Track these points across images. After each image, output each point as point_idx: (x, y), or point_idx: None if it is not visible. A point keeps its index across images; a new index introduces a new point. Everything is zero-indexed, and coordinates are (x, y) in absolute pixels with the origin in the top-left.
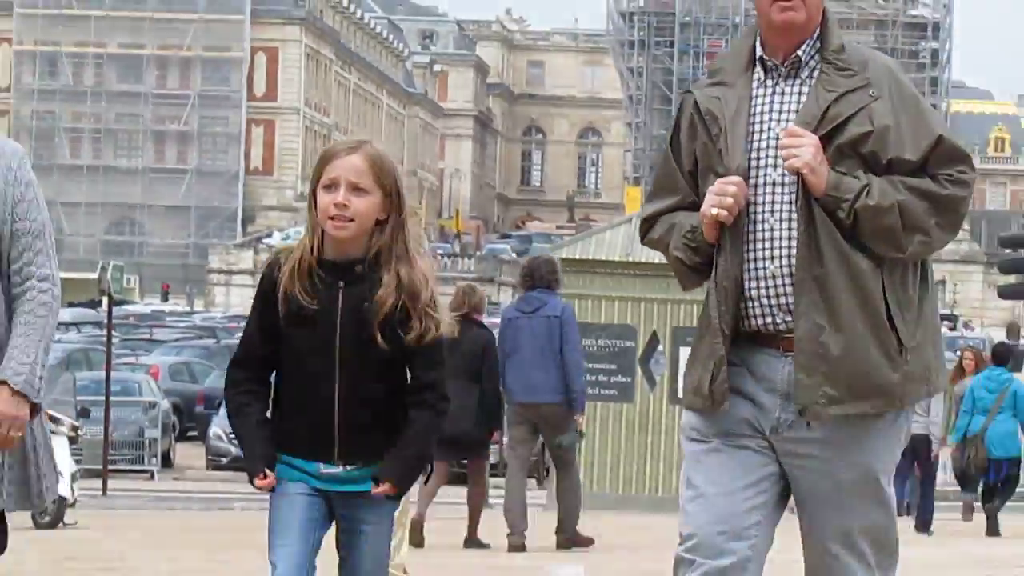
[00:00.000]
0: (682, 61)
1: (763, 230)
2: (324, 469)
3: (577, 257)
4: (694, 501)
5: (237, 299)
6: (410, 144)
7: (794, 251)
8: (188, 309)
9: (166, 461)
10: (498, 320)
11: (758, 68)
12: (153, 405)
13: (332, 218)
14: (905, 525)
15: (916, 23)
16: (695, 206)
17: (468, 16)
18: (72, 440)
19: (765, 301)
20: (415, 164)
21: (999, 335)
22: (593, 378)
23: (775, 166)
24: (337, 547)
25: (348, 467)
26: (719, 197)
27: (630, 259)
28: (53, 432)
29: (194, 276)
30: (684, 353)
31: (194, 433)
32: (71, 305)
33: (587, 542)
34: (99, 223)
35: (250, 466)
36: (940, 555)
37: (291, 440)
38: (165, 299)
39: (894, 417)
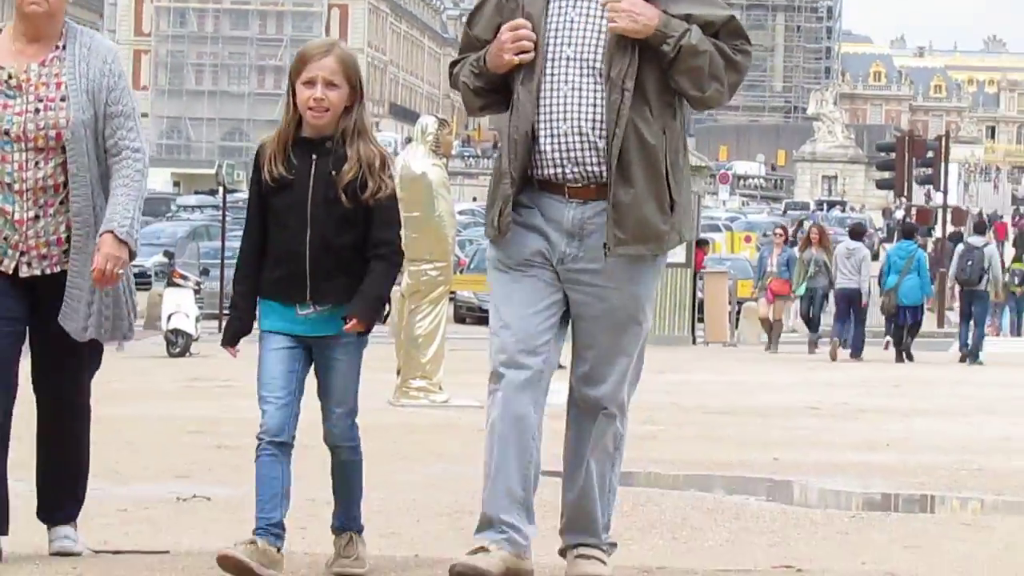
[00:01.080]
0: None
1: (558, 96)
2: (300, 311)
3: None
4: (501, 328)
5: None
6: (444, 76)
7: (582, 114)
8: None
9: None
10: None
11: None
12: None
13: (311, 108)
14: (843, 355)
15: None
16: None
17: None
18: (196, 292)
19: (556, 155)
20: (448, 90)
21: (876, 215)
22: None
23: (569, 44)
24: (316, 376)
25: (318, 308)
26: (517, 43)
27: None
28: (182, 286)
29: None
30: None
31: None
32: (196, 193)
33: None
34: (216, 133)
35: (227, 336)
36: (840, 376)
37: (273, 287)
38: None
39: (655, 258)
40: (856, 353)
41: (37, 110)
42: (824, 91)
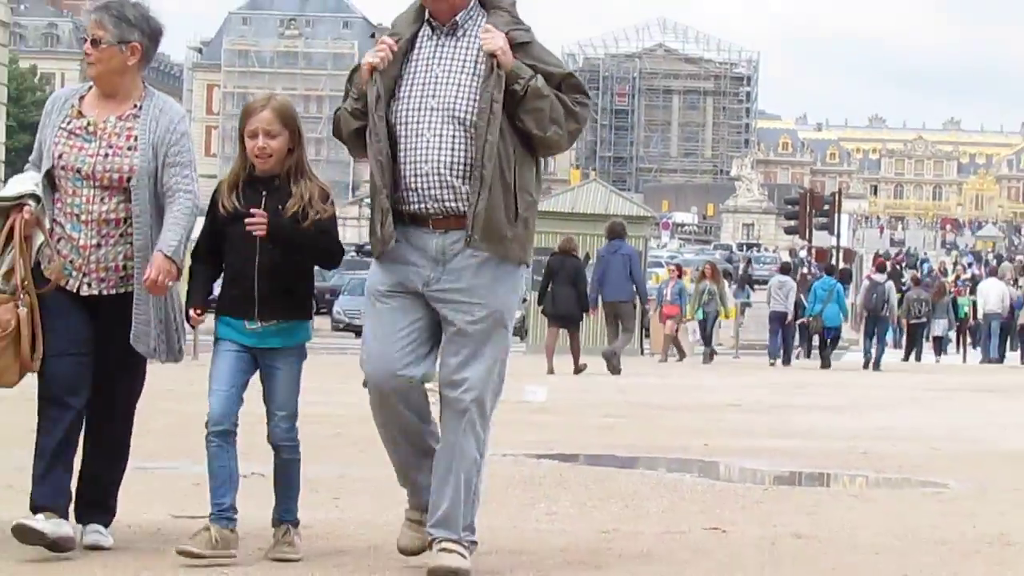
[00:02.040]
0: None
1: (422, 141)
2: (248, 326)
3: (542, 209)
4: (367, 348)
5: (348, 236)
6: None
7: (442, 158)
8: None
9: None
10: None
11: (425, 26)
12: None
13: (257, 156)
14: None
15: (737, 76)
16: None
17: None
18: None
19: (421, 192)
20: None
21: (784, 255)
22: None
23: (433, 96)
24: (261, 383)
25: (264, 324)
26: (378, 52)
27: (572, 211)
28: None
29: None
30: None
31: (324, 310)
32: None
33: (619, 372)
34: None
35: (189, 302)
36: (756, 380)
37: (228, 304)
38: None
39: (512, 272)
40: (786, 361)
41: (107, 154)
42: (744, 158)
